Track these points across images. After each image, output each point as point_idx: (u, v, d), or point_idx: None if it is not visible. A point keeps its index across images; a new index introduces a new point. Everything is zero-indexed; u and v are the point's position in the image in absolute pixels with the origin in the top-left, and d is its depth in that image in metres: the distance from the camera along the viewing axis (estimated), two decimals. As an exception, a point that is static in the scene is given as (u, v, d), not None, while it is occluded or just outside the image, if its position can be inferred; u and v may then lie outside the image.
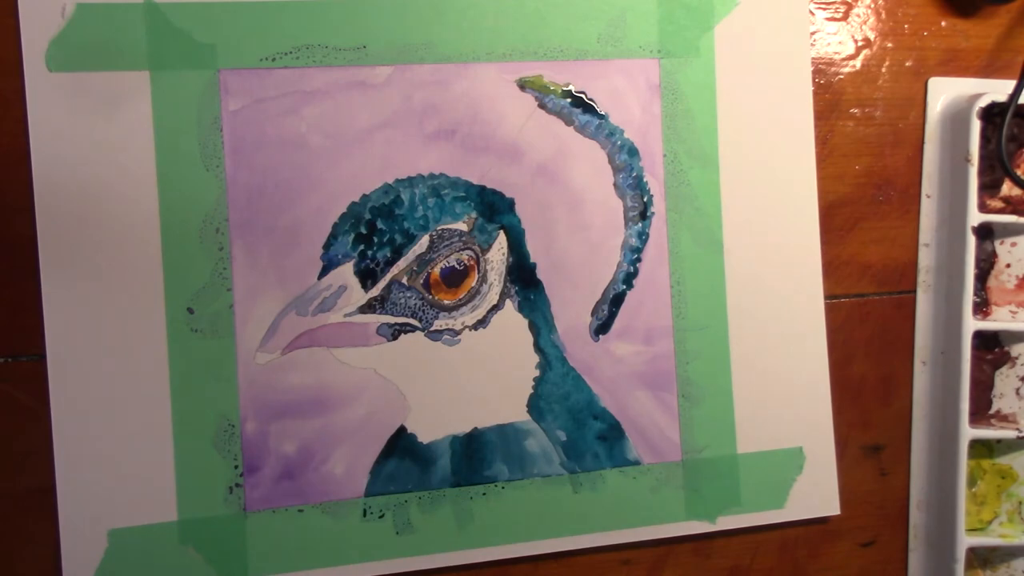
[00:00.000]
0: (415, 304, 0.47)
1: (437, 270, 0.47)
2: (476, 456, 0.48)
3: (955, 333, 0.52)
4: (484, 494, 0.48)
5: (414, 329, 0.47)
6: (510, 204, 0.48)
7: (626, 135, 0.50)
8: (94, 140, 0.44)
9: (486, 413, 0.48)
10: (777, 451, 0.51)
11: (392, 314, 0.47)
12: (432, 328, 0.48)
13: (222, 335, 0.45)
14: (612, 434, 0.49)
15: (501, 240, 0.48)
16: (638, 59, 0.50)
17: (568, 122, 0.49)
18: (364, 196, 0.47)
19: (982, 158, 0.52)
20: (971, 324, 0.51)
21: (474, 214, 0.48)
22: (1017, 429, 0.52)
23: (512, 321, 0.48)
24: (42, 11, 0.43)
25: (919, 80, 0.54)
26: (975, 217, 0.51)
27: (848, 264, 0.54)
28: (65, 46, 0.43)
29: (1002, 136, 0.51)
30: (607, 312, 0.49)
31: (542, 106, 0.49)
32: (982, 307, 0.55)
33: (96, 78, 0.44)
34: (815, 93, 0.52)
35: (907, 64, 0.54)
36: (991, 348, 0.56)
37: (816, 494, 0.52)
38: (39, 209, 0.43)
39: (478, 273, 0.48)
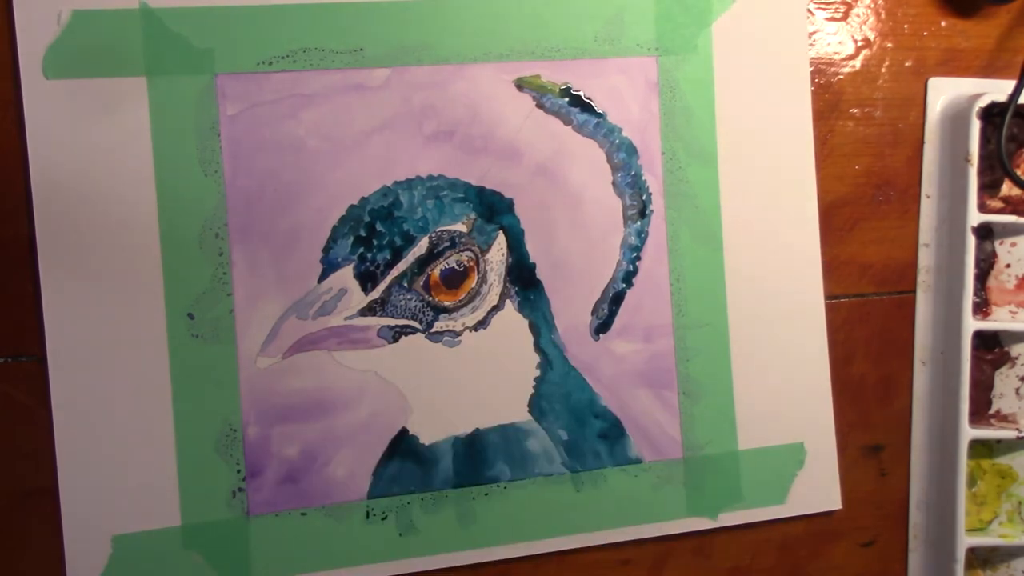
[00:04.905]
0: (415, 306, 0.47)
1: (437, 272, 0.47)
2: (478, 457, 0.48)
3: (955, 333, 0.52)
4: (486, 494, 0.49)
5: (415, 331, 0.47)
6: (509, 204, 0.48)
7: (624, 133, 0.49)
8: (92, 146, 0.44)
9: (487, 414, 0.49)
10: (778, 447, 0.52)
11: (392, 316, 0.47)
12: (433, 330, 0.48)
13: (223, 340, 0.45)
14: (613, 432, 0.50)
15: (500, 240, 0.48)
16: (636, 57, 0.49)
17: (566, 121, 0.49)
18: (363, 199, 0.47)
19: (982, 158, 0.52)
20: (971, 324, 0.51)
21: (473, 215, 0.48)
22: (1017, 429, 0.52)
23: (512, 321, 0.48)
24: (38, 18, 0.43)
25: (919, 80, 0.54)
26: (975, 217, 0.51)
27: (848, 264, 0.54)
28: (62, 53, 0.43)
29: (1002, 136, 0.51)
30: (607, 311, 0.49)
31: (540, 106, 0.48)
32: (982, 307, 0.55)
33: (93, 84, 0.44)
34: (815, 93, 0.52)
35: (907, 64, 0.54)
36: (991, 348, 0.56)
37: (817, 489, 0.52)
38: (38, 215, 0.43)
39: (478, 274, 0.48)
